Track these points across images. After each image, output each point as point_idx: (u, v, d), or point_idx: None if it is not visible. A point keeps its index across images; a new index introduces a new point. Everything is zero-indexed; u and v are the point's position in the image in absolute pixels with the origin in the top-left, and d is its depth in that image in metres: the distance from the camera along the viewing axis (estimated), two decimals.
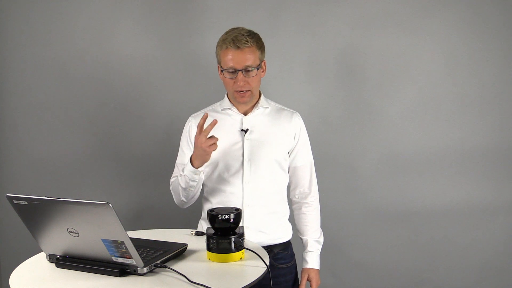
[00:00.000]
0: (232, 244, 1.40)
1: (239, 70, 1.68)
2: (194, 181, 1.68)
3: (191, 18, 2.39)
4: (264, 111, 1.81)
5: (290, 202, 1.90)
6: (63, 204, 1.26)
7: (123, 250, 1.26)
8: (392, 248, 2.44)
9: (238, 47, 1.66)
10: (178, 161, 1.84)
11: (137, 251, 1.27)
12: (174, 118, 2.37)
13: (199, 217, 1.88)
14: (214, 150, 1.60)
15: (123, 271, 1.29)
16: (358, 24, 2.35)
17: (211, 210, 1.47)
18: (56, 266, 1.37)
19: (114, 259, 1.30)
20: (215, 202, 1.75)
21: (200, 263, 1.40)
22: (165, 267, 1.33)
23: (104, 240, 1.27)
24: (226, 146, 1.75)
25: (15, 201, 1.30)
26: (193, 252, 1.48)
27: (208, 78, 2.31)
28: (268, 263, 1.39)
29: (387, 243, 2.44)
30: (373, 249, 2.45)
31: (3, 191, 2.21)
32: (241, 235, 1.43)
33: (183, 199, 1.75)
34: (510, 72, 2.34)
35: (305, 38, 2.37)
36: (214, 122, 1.58)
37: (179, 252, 1.44)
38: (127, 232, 1.24)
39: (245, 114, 1.79)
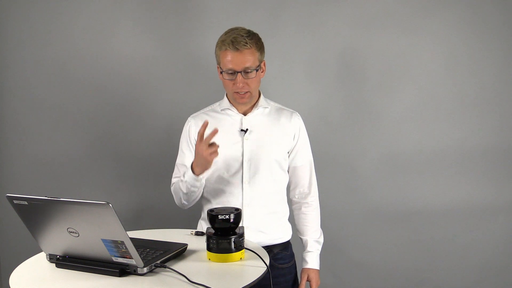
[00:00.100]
0: (232, 244, 1.40)
1: (238, 72, 1.67)
2: (195, 187, 1.68)
3: (191, 18, 2.39)
4: (263, 111, 1.81)
5: (290, 202, 1.90)
6: (63, 204, 1.26)
7: (123, 250, 1.26)
8: (392, 248, 2.44)
9: (237, 49, 1.66)
10: (178, 161, 1.84)
11: (137, 251, 1.27)
12: (174, 118, 2.37)
13: (199, 217, 1.88)
14: (215, 157, 1.58)
15: (123, 271, 1.29)
16: (358, 24, 2.35)
17: (211, 210, 1.47)
18: (56, 266, 1.37)
19: (114, 259, 1.30)
20: (215, 202, 1.75)
21: (200, 263, 1.40)
22: (165, 267, 1.33)
23: (104, 240, 1.27)
24: (225, 146, 1.75)
25: (15, 201, 1.30)
26: (193, 252, 1.48)
27: (208, 78, 2.31)
28: (268, 263, 1.39)
29: (387, 243, 2.44)
30: (373, 249, 2.45)
31: (3, 191, 2.20)
32: (241, 235, 1.43)
33: (184, 202, 1.75)
34: (510, 72, 2.34)
35: (305, 38, 2.37)
36: (215, 131, 1.55)
37: (179, 252, 1.44)
38: (127, 232, 1.24)
39: (245, 114, 1.79)
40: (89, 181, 2.48)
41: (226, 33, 1.71)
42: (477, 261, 2.42)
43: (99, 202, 1.20)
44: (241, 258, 1.42)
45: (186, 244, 1.48)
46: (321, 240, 1.87)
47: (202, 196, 1.81)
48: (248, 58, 1.67)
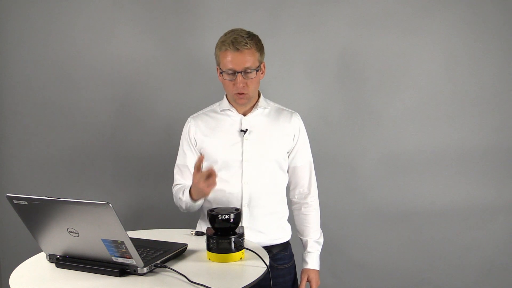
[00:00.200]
0: (232, 244, 1.40)
1: (238, 72, 1.68)
2: (193, 207, 1.72)
3: (191, 18, 2.39)
4: (263, 111, 1.81)
5: (290, 202, 1.90)
6: (63, 204, 1.26)
7: (123, 250, 1.26)
8: (392, 248, 2.44)
9: (238, 49, 1.66)
10: (178, 161, 1.84)
11: (137, 251, 1.27)
12: (174, 118, 2.37)
13: (199, 217, 1.88)
14: (213, 188, 1.57)
15: (123, 271, 1.29)
16: (358, 24, 2.35)
17: (211, 210, 1.47)
18: (56, 266, 1.37)
19: (114, 259, 1.30)
20: (215, 202, 1.74)
21: (200, 263, 1.40)
22: (165, 267, 1.33)
23: (104, 240, 1.27)
24: (225, 146, 1.75)
25: (15, 201, 1.30)
26: (193, 252, 1.48)
27: (208, 78, 2.31)
28: (268, 263, 1.39)
29: (387, 243, 2.44)
30: (373, 249, 2.45)
31: (3, 191, 2.20)
32: (241, 235, 1.43)
33: (185, 211, 1.77)
34: (510, 72, 2.34)
35: (305, 38, 2.37)
36: (201, 158, 1.55)
37: (179, 252, 1.44)
38: (127, 232, 1.24)
39: (244, 114, 1.79)
40: (89, 181, 2.48)
41: (226, 34, 1.72)
42: (477, 261, 2.42)
43: (99, 202, 1.20)
44: (241, 258, 1.42)
45: (186, 244, 1.49)
46: (321, 240, 1.87)
47: None
48: (248, 58, 1.67)
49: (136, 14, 2.41)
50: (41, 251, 1.45)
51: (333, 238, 2.29)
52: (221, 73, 1.73)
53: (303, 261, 1.85)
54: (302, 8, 2.36)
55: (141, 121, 2.45)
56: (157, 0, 2.40)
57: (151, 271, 1.31)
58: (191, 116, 1.85)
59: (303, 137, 1.84)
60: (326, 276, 2.29)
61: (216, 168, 1.74)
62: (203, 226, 1.82)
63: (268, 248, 1.70)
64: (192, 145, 1.80)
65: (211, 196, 1.77)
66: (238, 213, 1.45)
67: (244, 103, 1.75)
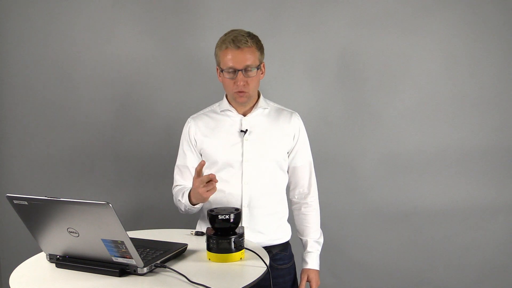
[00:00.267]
0: (232, 244, 1.40)
1: (239, 70, 1.68)
2: (192, 210, 1.72)
3: (191, 18, 2.39)
4: (263, 111, 1.81)
5: (290, 202, 1.90)
6: (63, 204, 1.26)
7: (123, 250, 1.26)
8: (392, 248, 2.44)
9: (238, 47, 1.67)
10: (178, 162, 1.84)
11: (137, 251, 1.27)
12: (174, 118, 2.37)
13: (198, 217, 1.88)
14: (213, 194, 1.56)
15: (123, 271, 1.29)
16: (358, 24, 2.35)
17: (211, 210, 1.47)
18: (56, 266, 1.37)
19: (114, 259, 1.30)
20: (214, 203, 1.74)
21: (200, 263, 1.40)
22: (165, 267, 1.33)
23: (104, 240, 1.27)
24: (225, 147, 1.75)
25: (15, 201, 1.30)
26: (193, 252, 1.48)
27: (208, 78, 2.31)
28: (268, 263, 1.39)
29: (387, 243, 2.44)
30: (373, 249, 2.45)
31: (3, 191, 2.20)
32: (241, 235, 1.43)
33: (184, 213, 1.77)
34: (510, 72, 2.34)
35: (305, 38, 2.37)
36: (203, 163, 1.55)
37: (179, 252, 1.44)
38: (127, 232, 1.24)
39: (244, 115, 1.79)
40: (89, 181, 2.48)
41: (226, 34, 1.73)
42: (477, 261, 2.42)
43: (99, 202, 1.20)
44: (241, 258, 1.42)
45: (186, 244, 1.49)
46: (321, 240, 1.87)
47: None
48: (248, 56, 1.68)
49: (136, 14, 2.41)
50: (41, 251, 1.45)
51: (333, 238, 2.29)
52: (221, 71, 1.73)
53: (303, 261, 1.85)
54: (302, 8, 2.36)
55: (141, 121, 2.45)
56: (157, 0, 2.40)
57: (151, 271, 1.31)
58: (191, 117, 1.85)
59: (303, 137, 1.84)
60: (326, 276, 2.29)
61: (216, 168, 1.74)
62: (203, 226, 1.82)
63: (268, 248, 1.70)
64: (192, 146, 1.80)
65: (211, 196, 1.77)
66: (238, 213, 1.45)
67: (245, 101, 1.75)
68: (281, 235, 1.83)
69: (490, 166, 2.38)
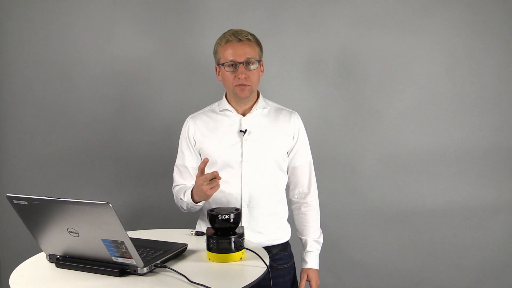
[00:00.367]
0: (232, 244, 1.40)
1: (240, 63, 1.68)
2: (194, 208, 1.72)
3: (191, 18, 2.39)
4: (262, 111, 1.81)
5: (290, 202, 1.90)
6: (63, 204, 1.26)
7: (123, 250, 1.26)
8: (392, 248, 2.44)
9: (239, 40, 1.69)
10: (178, 162, 1.84)
11: (137, 251, 1.27)
12: (174, 118, 2.37)
13: (198, 217, 1.88)
14: (216, 191, 1.56)
15: (123, 271, 1.29)
16: (358, 24, 2.35)
17: (211, 210, 1.47)
18: (56, 266, 1.37)
19: (114, 259, 1.30)
20: (214, 203, 1.74)
21: (200, 263, 1.40)
22: (165, 267, 1.33)
23: (104, 240, 1.27)
24: (224, 147, 1.75)
25: (15, 201, 1.30)
26: (193, 252, 1.48)
27: (208, 78, 2.31)
28: (268, 263, 1.39)
29: (387, 243, 2.44)
30: (373, 249, 2.45)
31: (3, 191, 2.21)
32: (241, 235, 1.43)
33: (186, 211, 1.77)
34: (510, 72, 2.34)
35: (305, 38, 2.37)
36: (206, 161, 1.55)
37: (179, 252, 1.44)
38: (127, 232, 1.24)
39: (244, 114, 1.79)
40: (89, 181, 2.48)
41: (225, 32, 1.74)
42: (477, 261, 2.42)
43: (99, 202, 1.20)
44: (241, 258, 1.42)
45: (186, 244, 1.49)
46: (321, 240, 1.87)
47: None
48: (249, 50, 1.70)
49: (136, 14, 2.41)
50: (41, 251, 1.45)
51: (333, 238, 2.29)
52: (222, 64, 1.72)
53: (303, 260, 1.85)
54: (302, 8, 2.36)
55: (141, 121, 2.45)
56: (157, 0, 2.40)
57: (151, 271, 1.31)
58: (189, 116, 1.85)
59: (302, 137, 1.84)
60: (326, 276, 2.29)
61: (215, 168, 1.74)
62: (202, 226, 1.82)
63: (267, 248, 1.70)
64: (191, 145, 1.80)
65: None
66: (238, 213, 1.45)
67: (246, 95, 1.74)
68: (281, 235, 1.83)
69: (490, 166, 2.38)
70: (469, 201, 2.39)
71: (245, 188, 1.73)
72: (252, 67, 1.70)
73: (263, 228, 1.76)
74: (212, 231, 1.45)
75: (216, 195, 1.73)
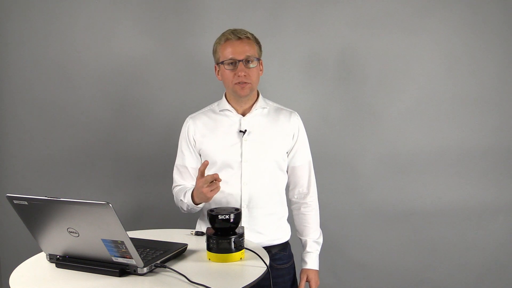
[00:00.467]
0: (232, 244, 1.40)
1: (239, 61, 1.68)
2: (194, 209, 1.72)
3: (191, 18, 2.39)
4: (262, 111, 1.81)
5: (289, 202, 1.90)
6: (63, 204, 1.26)
7: (123, 250, 1.26)
8: (392, 248, 2.44)
9: (239, 38, 1.70)
10: (177, 162, 1.84)
11: (137, 251, 1.27)
12: (174, 118, 2.37)
13: (198, 217, 1.88)
14: (216, 193, 1.57)
15: (123, 271, 1.29)
16: (358, 24, 2.35)
17: (211, 210, 1.47)
18: (56, 266, 1.37)
19: (114, 259, 1.30)
20: (214, 203, 1.74)
21: (200, 263, 1.40)
22: (165, 267, 1.33)
23: (104, 240, 1.27)
24: (224, 147, 1.75)
25: (15, 201, 1.30)
26: (193, 252, 1.48)
27: (208, 78, 2.31)
28: (268, 263, 1.39)
29: (387, 243, 2.44)
30: (373, 249, 2.45)
31: (3, 191, 2.21)
32: (241, 235, 1.43)
33: (186, 212, 1.77)
34: (510, 72, 2.34)
35: (305, 38, 2.37)
36: (206, 163, 1.57)
37: (179, 252, 1.44)
38: (127, 232, 1.24)
39: (243, 114, 1.79)
40: (89, 181, 2.48)
41: (224, 31, 1.75)
42: (477, 261, 2.42)
43: (99, 202, 1.20)
44: (241, 258, 1.42)
45: (186, 244, 1.48)
46: (320, 240, 1.87)
47: None
48: (248, 48, 1.71)
49: (136, 14, 2.41)
50: (41, 251, 1.45)
51: (333, 238, 2.29)
52: (222, 63, 1.72)
53: (302, 261, 1.85)
54: (302, 8, 2.36)
55: (141, 121, 2.45)
56: (157, 0, 2.40)
57: (151, 271, 1.31)
58: (189, 116, 1.85)
59: (302, 137, 1.84)
60: (326, 276, 2.29)
61: (215, 169, 1.74)
62: (202, 226, 1.82)
63: (267, 249, 1.69)
64: (191, 146, 1.80)
65: None
66: (238, 213, 1.45)
67: (246, 94, 1.74)
68: (281, 235, 1.83)
69: (490, 166, 2.38)
70: (469, 201, 2.39)
71: (245, 188, 1.73)
72: (251, 65, 1.71)
73: (262, 228, 1.76)
74: (212, 231, 1.45)
75: (216, 195, 1.73)
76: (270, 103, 1.85)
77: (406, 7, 2.34)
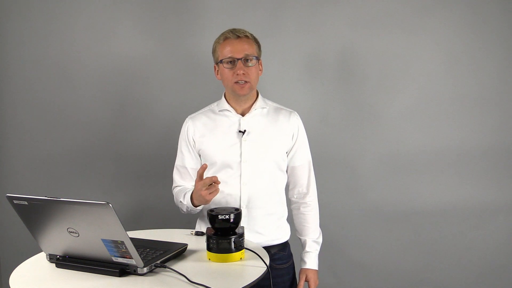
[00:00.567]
0: (232, 244, 1.40)
1: (238, 59, 1.68)
2: (194, 211, 1.72)
3: (191, 18, 2.39)
4: (261, 111, 1.80)
5: (289, 202, 1.89)
6: (63, 204, 1.26)
7: (123, 250, 1.26)
8: (392, 248, 2.44)
9: (238, 36, 1.70)
10: (177, 162, 1.84)
11: (137, 251, 1.27)
12: (174, 118, 2.36)
13: (198, 217, 1.88)
14: (215, 196, 1.57)
15: (123, 271, 1.29)
16: (358, 24, 2.35)
17: (211, 210, 1.47)
18: (56, 266, 1.37)
19: (114, 259, 1.30)
20: (213, 203, 1.73)
21: (200, 263, 1.40)
22: (165, 267, 1.33)
23: (104, 240, 1.27)
24: (224, 147, 1.75)
25: (15, 201, 1.30)
26: (193, 252, 1.48)
27: (208, 78, 2.30)
28: (268, 263, 1.39)
29: (387, 243, 2.44)
30: (373, 249, 2.45)
31: (3, 191, 2.21)
32: (241, 235, 1.43)
33: (185, 213, 1.76)
34: (510, 72, 2.34)
35: (305, 38, 2.37)
36: (205, 167, 1.57)
37: (179, 252, 1.44)
38: (127, 232, 1.24)
39: (243, 114, 1.78)
40: (88, 181, 2.48)
41: (223, 31, 1.75)
42: (477, 261, 2.42)
43: (99, 202, 1.20)
44: (241, 258, 1.42)
45: (186, 244, 1.49)
46: (320, 240, 1.87)
47: None
48: (247, 46, 1.71)
49: (136, 14, 2.41)
50: (41, 251, 1.45)
51: (333, 238, 2.29)
52: (221, 62, 1.72)
53: (302, 260, 1.85)
54: (302, 8, 2.36)
55: (141, 121, 2.45)
56: (157, 0, 2.40)
57: (151, 271, 1.31)
58: (189, 117, 1.85)
59: (302, 137, 1.84)
60: (326, 276, 2.29)
61: (214, 169, 1.74)
62: (202, 226, 1.81)
63: (266, 248, 1.69)
64: (191, 146, 1.80)
65: None
66: (238, 213, 1.45)
67: (246, 93, 1.73)
68: (280, 235, 1.83)
69: (490, 166, 2.38)
70: (469, 201, 2.39)
71: (244, 189, 1.73)
72: (250, 64, 1.70)
73: (262, 229, 1.76)
74: (212, 231, 1.45)
75: (215, 195, 1.74)
76: (270, 103, 1.85)
77: (406, 7, 2.33)
